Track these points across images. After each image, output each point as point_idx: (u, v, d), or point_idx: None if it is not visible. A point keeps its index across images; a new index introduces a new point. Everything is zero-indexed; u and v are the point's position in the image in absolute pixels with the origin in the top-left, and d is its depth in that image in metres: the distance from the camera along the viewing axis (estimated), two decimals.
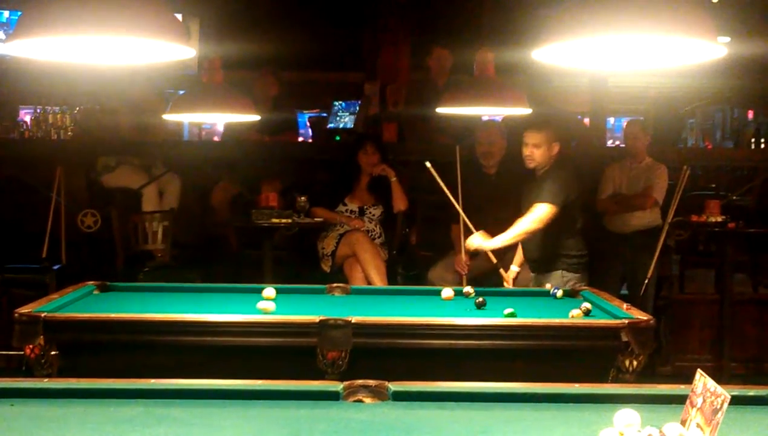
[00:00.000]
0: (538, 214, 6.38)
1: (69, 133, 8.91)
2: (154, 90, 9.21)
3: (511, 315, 4.45)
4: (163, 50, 3.50)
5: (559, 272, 6.44)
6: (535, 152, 6.42)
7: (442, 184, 6.69)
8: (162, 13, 3.31)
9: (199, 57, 8.80)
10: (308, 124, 11.34)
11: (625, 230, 7.48)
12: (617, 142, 14.77)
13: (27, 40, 3.26)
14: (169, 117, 7.22)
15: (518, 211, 7.25)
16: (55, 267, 7.55)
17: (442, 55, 8.87)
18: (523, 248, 6.73)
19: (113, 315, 4.34)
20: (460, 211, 6.86)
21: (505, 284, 6.74)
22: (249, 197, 8.10)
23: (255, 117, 6.73)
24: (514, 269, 6.82)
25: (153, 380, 3.08)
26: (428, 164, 6.68)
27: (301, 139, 10.87)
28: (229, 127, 9.12)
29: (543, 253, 6.53)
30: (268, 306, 4.62)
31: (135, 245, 8.07)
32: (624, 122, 8.19)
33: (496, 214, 7.23)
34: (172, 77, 9.99)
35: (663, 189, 7.41)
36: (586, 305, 4.65)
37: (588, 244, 7.40)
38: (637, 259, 7.38)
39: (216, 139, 11.95)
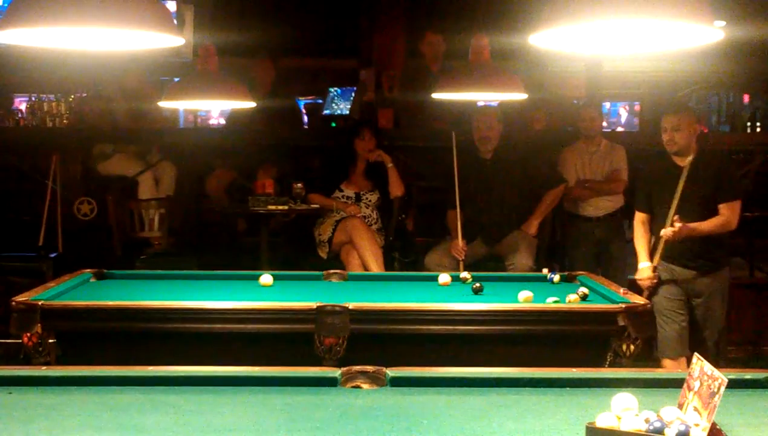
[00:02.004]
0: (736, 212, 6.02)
1: (64, 121, 8.89)
2: (149, 77, 9.19)
3: (556, 303, 4.46)
4: (152, 38, 3.50)
5: (727, 269, 6.18)
6: (676, 136, 5.94)
7: None
8: (149, 3, 3.31)
9: (193, 44, 8.78)
10: (304, 110, 11.35)
11: (597, 213, 7.51)
12: (621, 128, 14.82)
13: (13, 30, 3.26)
14: (164, 104, 7.21)
15: (514, 196, 7.29)
16: (52, 255, 7.55)
17: (435, 40, 8.85)
18: (680, 250, 5.97)
19: (110, 303, 4.35)
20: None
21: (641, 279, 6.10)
22: (244, 184, 8.10)
23: (251, 104, 6.71)
24: (645, 264, 6.08)
25: (150, 368, 3.08)
26: None
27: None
28: (232, 116, 9.07)
29: (715, 252, 6.06)
30: (267, 281, 5.03)
31: (131, 232, 8.07)
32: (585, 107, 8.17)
33: (492, 198, 7.26)
34: (167, 64, 9.97)
35: (626, 170, 7.48)
36: (583, 289, 4.66)
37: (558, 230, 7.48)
38: (611, 241, 7.44)
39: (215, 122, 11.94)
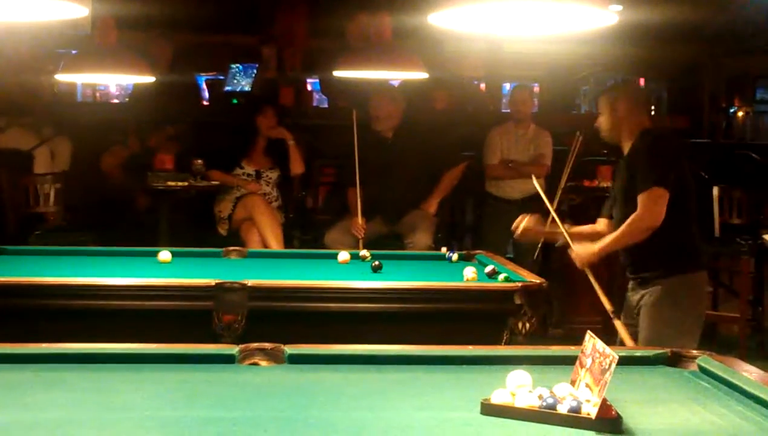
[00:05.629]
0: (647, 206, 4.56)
1: None
2: (43, 49, 9.00)
3: (507, 280, 4.45)
4: (52, 8, 3.42)
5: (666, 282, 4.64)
6: (601, 121, 4.90)
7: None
8: None
9: (92, 17, 8.62)
10: (204, 86, 11.23)
11: (515, 195, 7.61)
12: None
13: None
14: (61, 77, 7.08)
15: (414, 175, 7.32)
16: None
17: (370, 22, 8.73)
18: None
19: (3, 279, 4.26)
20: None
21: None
22: (142, 160, 7.99)
23: (150, 78, 6.63)
24: None
25: (44, 345, 3.03)
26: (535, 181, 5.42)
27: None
28: (135, 92, 8.91)
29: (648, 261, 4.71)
30: (166, 257, 4.96)
31: (26, 207, 7.91)
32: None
33: (393, 177, 7.30)
34: (64, 37, 9.76)
35: (551, 156, 7.58)
36: (493, 266, 4.68)
37: (474, 209, 7.49)
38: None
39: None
